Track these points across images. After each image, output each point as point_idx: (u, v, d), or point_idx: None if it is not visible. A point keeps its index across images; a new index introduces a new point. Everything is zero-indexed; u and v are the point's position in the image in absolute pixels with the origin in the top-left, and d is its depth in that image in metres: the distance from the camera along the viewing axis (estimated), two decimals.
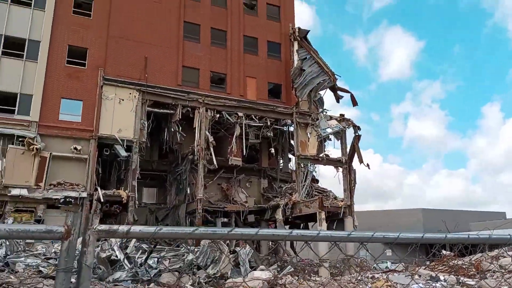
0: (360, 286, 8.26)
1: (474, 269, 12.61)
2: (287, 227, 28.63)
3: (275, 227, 27.85)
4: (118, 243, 12.57)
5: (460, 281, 8.93)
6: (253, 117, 31.26)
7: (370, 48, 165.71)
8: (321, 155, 30.62)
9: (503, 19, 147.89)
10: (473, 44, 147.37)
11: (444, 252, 15.83)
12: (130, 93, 28.13)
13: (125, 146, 26.53)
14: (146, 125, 27.79)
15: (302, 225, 29.95)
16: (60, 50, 27.43)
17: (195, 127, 28.89)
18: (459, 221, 42.76)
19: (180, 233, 2.09)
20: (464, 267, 12.72)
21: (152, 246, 13.07)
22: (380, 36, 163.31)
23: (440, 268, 13.21)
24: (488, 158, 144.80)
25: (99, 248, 13.03)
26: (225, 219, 28.43)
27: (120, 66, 28.60)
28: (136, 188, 26.38)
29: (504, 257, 13.29)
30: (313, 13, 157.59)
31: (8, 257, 13.29)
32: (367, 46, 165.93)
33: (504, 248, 12.61)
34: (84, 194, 24.69)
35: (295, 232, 2.28)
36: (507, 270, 11.75)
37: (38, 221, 22.34)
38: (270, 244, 29.36)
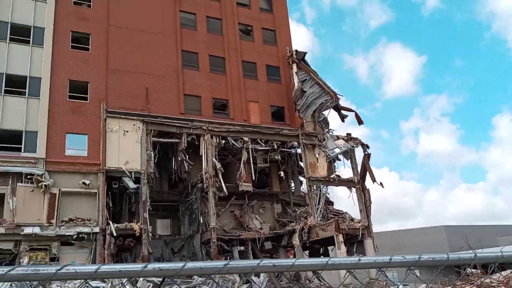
0: None
1: (504, 287, 11.96)
2: (306, 252, 27.77)
3: (294, 254, 26.99)
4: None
5: None
6: (259, 141, 30.86)
7: (371, 66, 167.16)
8: (332, 176, 30.10)
9: (501, 31, 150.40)
10: (473, 56, 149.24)
11: (469, 270, 15.12)
12: (134, 124, 27.68)
13: (133, 178, 25.88)
14: (153, 155, 27.21)
15: (322, 249, 29.06)
16: (61, 85, 27.07)
17: (202, 155, 28.36)
18: (485, 237, 41.73)
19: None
20: (493, 285, 12.07)
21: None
22: (380, 53, 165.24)
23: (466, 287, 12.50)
24: (506, 169, 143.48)
25: (109, 284, 12.19)
26: (242, 248, 27.51)
27: (122, 98, 28.24)
28: (148, 220, 25.55)
29: None
30: (311, 34, 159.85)
31: None
32: (368, 64, 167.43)
33: None
34: (97, 229, 23.91)
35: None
36: None
37: (53, 259, 21.42)
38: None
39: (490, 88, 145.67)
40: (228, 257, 27.25)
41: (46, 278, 1.70)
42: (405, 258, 2.31)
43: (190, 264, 1.84)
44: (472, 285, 12.83)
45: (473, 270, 14.72)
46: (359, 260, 2.12)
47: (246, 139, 30.42)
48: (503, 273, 13.32)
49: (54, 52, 27.82)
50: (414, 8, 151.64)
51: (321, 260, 2.06)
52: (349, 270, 2.15)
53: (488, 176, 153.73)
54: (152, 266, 1.79)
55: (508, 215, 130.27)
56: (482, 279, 12.84)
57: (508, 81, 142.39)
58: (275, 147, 31.23)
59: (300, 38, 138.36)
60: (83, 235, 22.85)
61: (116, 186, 25.46)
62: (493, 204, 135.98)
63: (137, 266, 1.78)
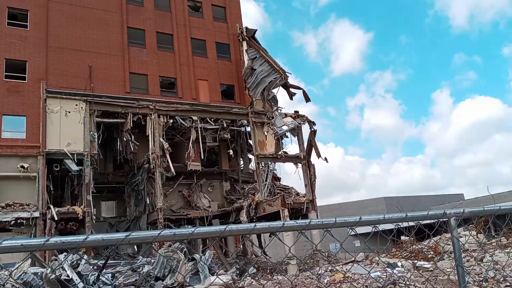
0: (319, 280, 8.05)
1: (432, 252, 12.74)
2: None
3: None
4: (69, 261, 11.80)
5: (417, 265, 8.93)
6: (208, 120, 30.77)
7: (320, 43, 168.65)
8: (279, 152, 30.55)
9: (443, 9, 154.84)
10: (418, 33, 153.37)
11: (403, 238, 15.94)
12: (77, 105, 26.96)
13: (75, 160, 25.35)
14: (97, 136, 26.71)
15: None
16: None
17: (148, 135, 28.08)
18: (420, 206, 43.98)
19: None
20: (423, 251, 12.83)
21: (103, 261, 12.41)
22: (329, 30, 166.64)
23: (401, 254, 13.26)
24: (443, 143, 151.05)
25: (49, 269, 12.23)
26: (189, 227, 27.75)
27: (63, 77, 27.37)
28: (91, 202, 25.24)
29: (461, 236, 13.54)
30: (261, 10, 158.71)
31: None
32: (317, 41, 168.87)
33: (462, 227, 12.85)
34: (37, 214, 23.42)
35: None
36: (462, 250, 11.87)
37: None
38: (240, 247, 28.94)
39: (431, 64, 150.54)
40: None
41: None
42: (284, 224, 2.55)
43: (92, 236, 1.85)
44: (405, 252, 13.59)
45: (406, 238, 15.56)
46: (255, 226, 2.32)
47: (195, 118, 30.24)
48: (434, 238, 14.15)
49: None
50: None
51: (219, 227, 2.16)
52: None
53: (426, 150, 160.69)
54: (54, 239, 1.80)
55: (444, 186, 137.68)
56: (414, 246, 13.63)
57: (448, 57, 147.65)
58: (225, 125, 31.23)
59: (251, 14, 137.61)
60: (22, 221, 22.40)
61: (58, 169, 24.94)
62: (430, 176, 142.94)
63: (39, 240, 1.79)
